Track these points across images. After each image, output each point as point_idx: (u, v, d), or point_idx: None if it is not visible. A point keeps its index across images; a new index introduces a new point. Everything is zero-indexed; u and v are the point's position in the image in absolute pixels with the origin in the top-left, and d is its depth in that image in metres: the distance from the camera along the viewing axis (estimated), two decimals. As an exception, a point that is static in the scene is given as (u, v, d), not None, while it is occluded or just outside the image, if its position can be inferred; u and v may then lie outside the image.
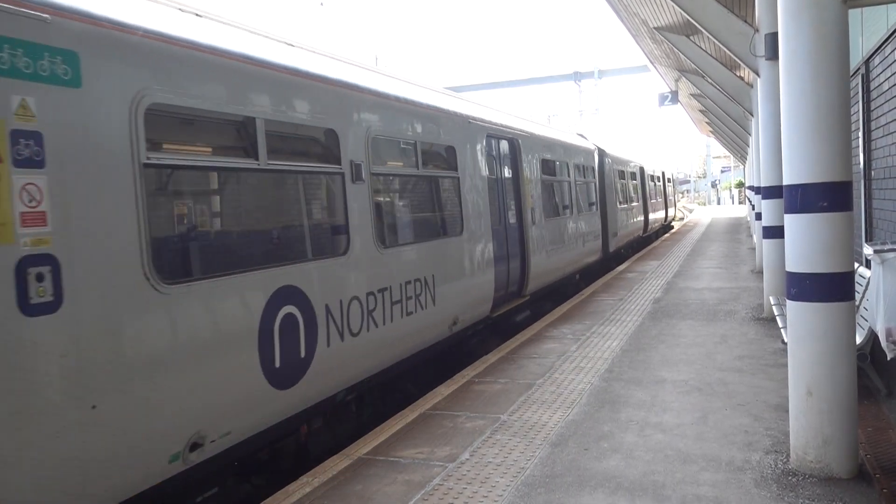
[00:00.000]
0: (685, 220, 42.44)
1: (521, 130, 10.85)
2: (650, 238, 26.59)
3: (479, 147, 8.86)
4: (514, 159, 10.48)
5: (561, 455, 4.84)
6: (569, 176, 13.66)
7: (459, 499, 4.24)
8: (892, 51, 5.93)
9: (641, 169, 24.07)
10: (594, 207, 15.70)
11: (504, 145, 10.19)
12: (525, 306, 10.75)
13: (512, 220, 10.13)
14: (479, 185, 8.71)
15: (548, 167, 12.23)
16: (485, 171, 8.97)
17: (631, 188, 21.28)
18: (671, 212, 35.94)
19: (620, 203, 19.00)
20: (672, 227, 34.69)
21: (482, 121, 9.19)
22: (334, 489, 4.50)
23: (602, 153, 17.33)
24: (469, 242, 8.26)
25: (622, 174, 19.76)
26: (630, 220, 20.68)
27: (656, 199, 28.25)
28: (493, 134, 9.56)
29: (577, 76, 49.38)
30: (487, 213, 8.87)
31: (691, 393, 6.13)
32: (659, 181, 29.94)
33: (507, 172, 10.22)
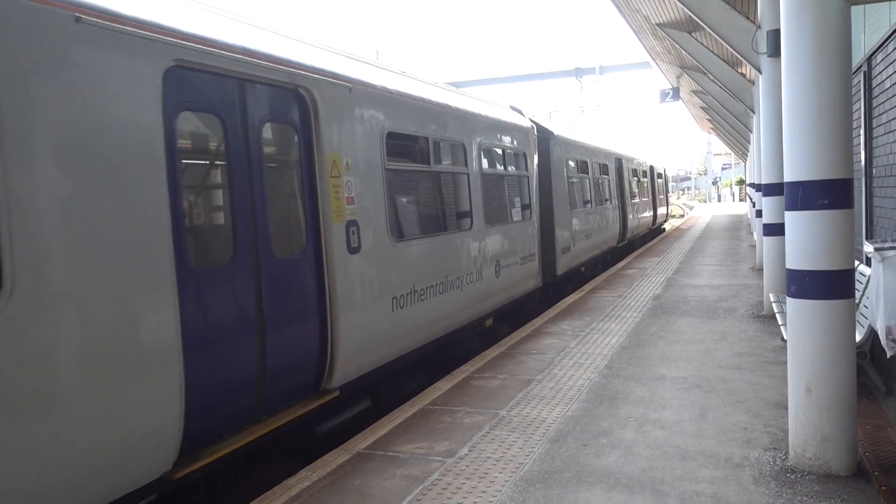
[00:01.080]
0: (686, 218, 42.42)
1: (320, 73, 5.68)
2: (633, 245, 22.11)
3: (133, 91, 3.98)
4: (304, 130, 5.51)
5: (559, 451, 4.85)
6: (466, 166, 8.38)
7: (458, 493, 4.24)
8: (894, 49, 5.92)
9: (619, 161, 19.44)
10: (526, 214, 10.58)
11: (260, 96, 5.09)
12: (345, 402, 5.98)
13: (283, 249, 5.26)
14: (123, 183, 3.87)
15: (409, 150, 7.30)
16: (161, 150, 4.13)
17: (598, 185, 16.53)
18: (662, 212, 30.03)
19: (579, 205, 14.22)
20: (663, 231, 30.57)
21: (151, 29, 4.14)
22: (333, 483, 4.51)
23: (546, 136, 12.37)
24: (30, 321, 3.32)
25: (584, 167, 14.97)
26: (596, 229, 15.66)
27: (641, 198, 22.90)
28: (206, 67, 4.55)
29: (579, 72, 49.33)
30: (165, 243, 4.09)
31: (690, 390, 6.13)
32: (645, 177, 24.48)
33: (272, 152, 5.36)
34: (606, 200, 17.22)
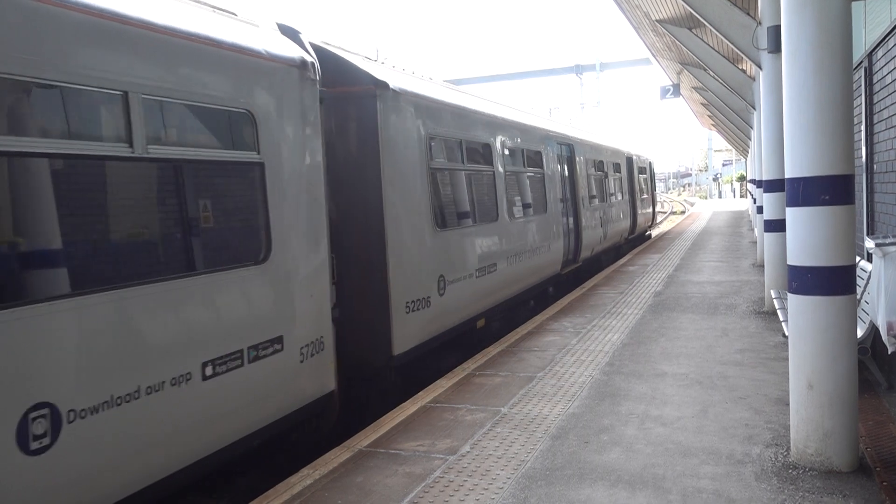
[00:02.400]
0: (686, 214, 42.44)
1: None
2: (600, 263, 16.51)
3: None
4: None
5: (561, 448, 4.85)
6: None
7: (460, 491, 4.25)
8: (895, 44, 5.91)
9: (567, 148, 13.64)
10: (254, 252, 4.99)
11: None
12: None
13: None
14: None
15: None
16: None
17: (518, 185, 10.65)
18: (647, 214, 24.09)
19: (465, 220, 8.62)
20: (648, 237, 25.09)
21: None
22: (335, 481, 4.52)
23: (368, 91, 6.72)
24: None
25: (482, 154, 9.28)
26: (514, 254, 9.92)
27: (610, 199, 17.21)
28: None
29: (579, 69, 49.39)
30: None
31: (692, 386, 6.13)
32: (619, 172, 18.85)
33: None
34: (529, 207, 11.01)
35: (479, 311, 8.85)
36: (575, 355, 7.46)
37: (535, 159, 11.57)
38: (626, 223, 19.47)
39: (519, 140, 10.78)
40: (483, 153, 9.36)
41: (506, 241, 9.75)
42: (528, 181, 11.14)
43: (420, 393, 6.41)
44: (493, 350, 7.93)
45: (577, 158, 14.30)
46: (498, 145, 9.77)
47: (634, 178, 21.33)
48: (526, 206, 10.97)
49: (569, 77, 50.52)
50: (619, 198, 18.65)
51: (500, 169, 9.73)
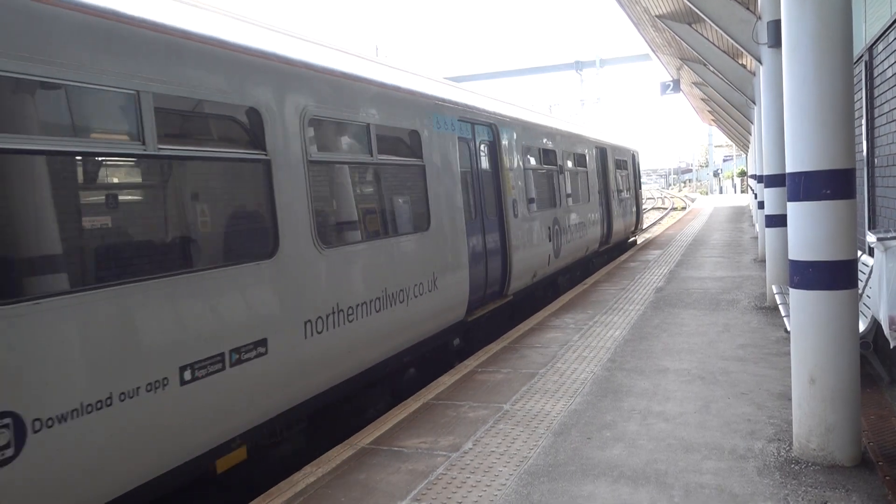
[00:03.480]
0: (687, 210, 42.44)
1: None
2: (556, 286, 12.80)
3: None
4: None
5: (564, 444, 4.86)
6: None
7: (463, 488, 4.25)
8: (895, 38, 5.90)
9: (489, 130, 9.44)
10: None
11: None
12: None
13: None
14: None
15: None
16: None
17: (324, 185, 5.84)
18: (628, 216, 19.16)
19: (97, 270, 3.81)
20: (634, 244, 21.45)
21: None
22: (338, 478, 4.52)
23: None
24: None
25: (253, 129, 4.79)
26: (308, 327, 5.13)
27: (567, 199, 12.87)
28: None
29: (579, 65, 49.35)
30: None
31: (693, 382, 6.13)
32: (583, 165, 14.50)
33: None
34: (384, 222, 6.79)
35: (215, 443, 4.47)
36: (577, 352, 7.46)
37: (406, 144, 7.19)
38: (597, 231, 15.23)
39: (356, 109, 6.17)
40: (249, 128, 4.88)
41: (295, 294, 5.11)
42: (381, 179, 6.77)
43: (422, 390, 6.42)
44: (494, 347, 7.94)
45: (504, 146, 9.80)
46: (280, 114, 5.07)
47: (609, 173, 16.78)
48: (372, 221, 6.62)
49: (569, 73, 50.50)
50: (585, 200, 14.33)
51: (293, 159, 5.18)
